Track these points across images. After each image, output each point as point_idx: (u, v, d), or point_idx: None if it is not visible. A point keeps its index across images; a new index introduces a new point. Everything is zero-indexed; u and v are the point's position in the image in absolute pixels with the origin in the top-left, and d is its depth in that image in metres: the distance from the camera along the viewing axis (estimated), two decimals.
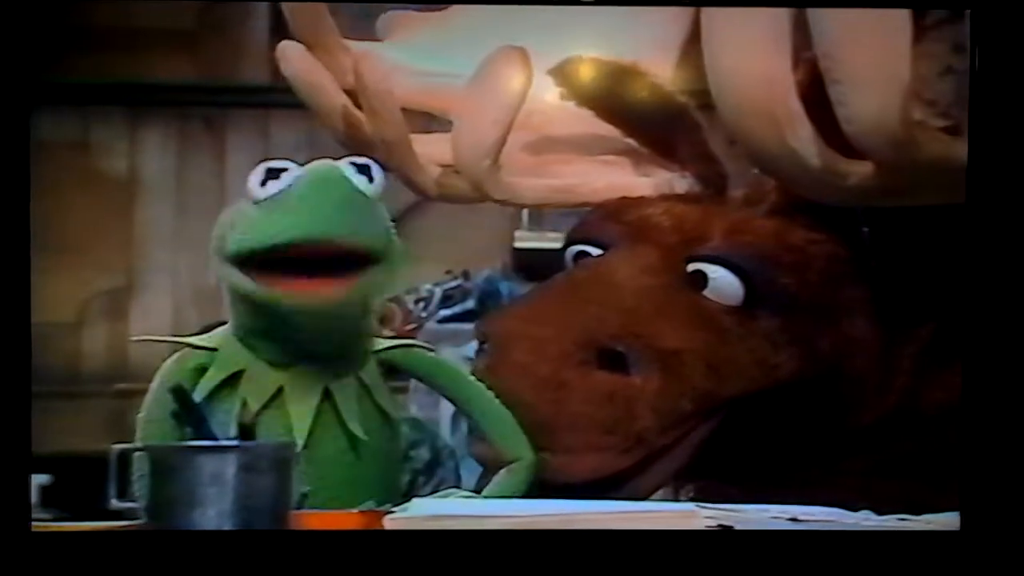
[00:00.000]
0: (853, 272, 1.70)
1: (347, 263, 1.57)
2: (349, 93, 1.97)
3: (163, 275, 3.10)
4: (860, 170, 1.58)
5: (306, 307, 1.57)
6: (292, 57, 2.00)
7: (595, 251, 1.79)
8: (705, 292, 1.68)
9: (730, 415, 1.66)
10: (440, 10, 2.12)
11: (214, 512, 1.36)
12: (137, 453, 1.47)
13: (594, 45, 1.89)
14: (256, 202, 1.59)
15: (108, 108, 3.16)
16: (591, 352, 1.63)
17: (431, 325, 3.03)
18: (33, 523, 1.52)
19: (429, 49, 2.10)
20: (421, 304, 3.08)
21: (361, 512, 1.54)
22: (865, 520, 1.51)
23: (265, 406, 1.62)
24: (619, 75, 1.80)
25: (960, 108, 1.58)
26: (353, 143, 1.77)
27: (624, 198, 1.84)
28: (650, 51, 1.91)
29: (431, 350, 1.78)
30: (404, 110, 1.92)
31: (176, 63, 3.17)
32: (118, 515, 1.47)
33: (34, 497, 1.66)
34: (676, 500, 1.74)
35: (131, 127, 3.20)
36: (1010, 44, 1.59)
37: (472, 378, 1.71)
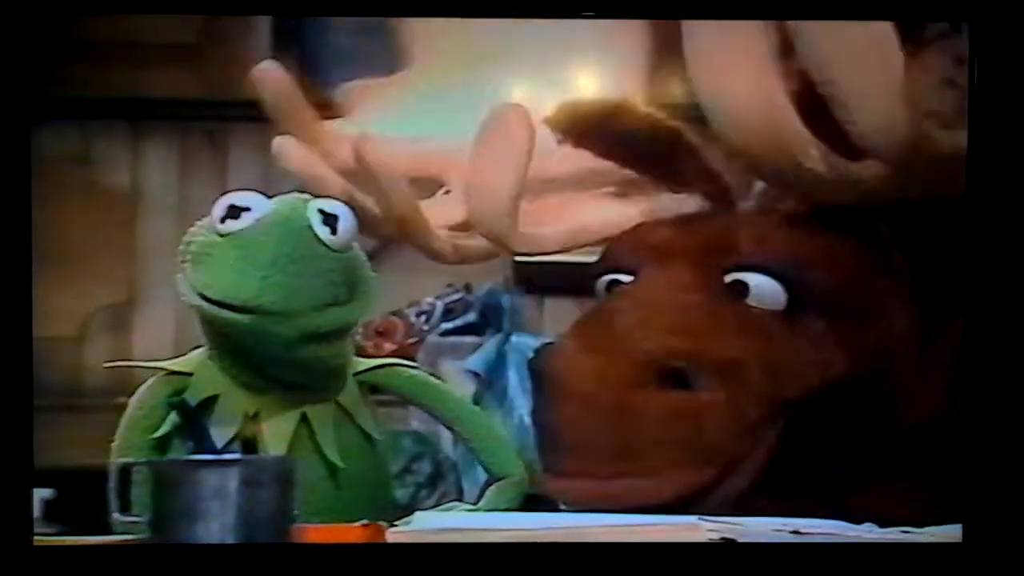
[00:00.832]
0: (881, 269, 1.71)
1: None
2: (343, 174, 1.99)
3: (165, 289, 3.10)
4: (871, 172, 1.61)
5: (228, 321, 1.58)
6: (289, 154, 2.01)
7: (626, 278, 1.79)
8: (748, 300, 1.69)
9: (794, 418, 1.66)
10: (392, 76, 2.14)
11: (216, 526, 1.37)
12: (138, 467, 1.47)
13: (563, 76, 1.91)
14: (217, 234, 1.60)
15: (110, 122, 3.16)
16: (651, 373, 1.64)
17: (433, 338, 3.03)
18: (35, 537, 1.52)
19: (404, 114, 2.11)
20: (423, 317, 3.08)
21: (363, 525, 1.54)
22: (868, 532, 1.51)
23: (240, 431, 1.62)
24: (610, 112, 1.81)
25: (961, 119, 1.59)
26: (363, 225, 1.76)
27: (641, 224, 1.85)
28: (621, 71, 1.93)
29: (414, 367, 1.78)
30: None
31: (178, 77, 3.17)
32: (121, 529, 1.48)
33: (37, 511, 1.66)
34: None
35: (133, 141, 3.20)
36: (1009, 57, 1.59)
37: (458, 394, 1.71)
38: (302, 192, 1.68)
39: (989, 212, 1.59)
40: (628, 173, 1.94)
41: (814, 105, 1.60)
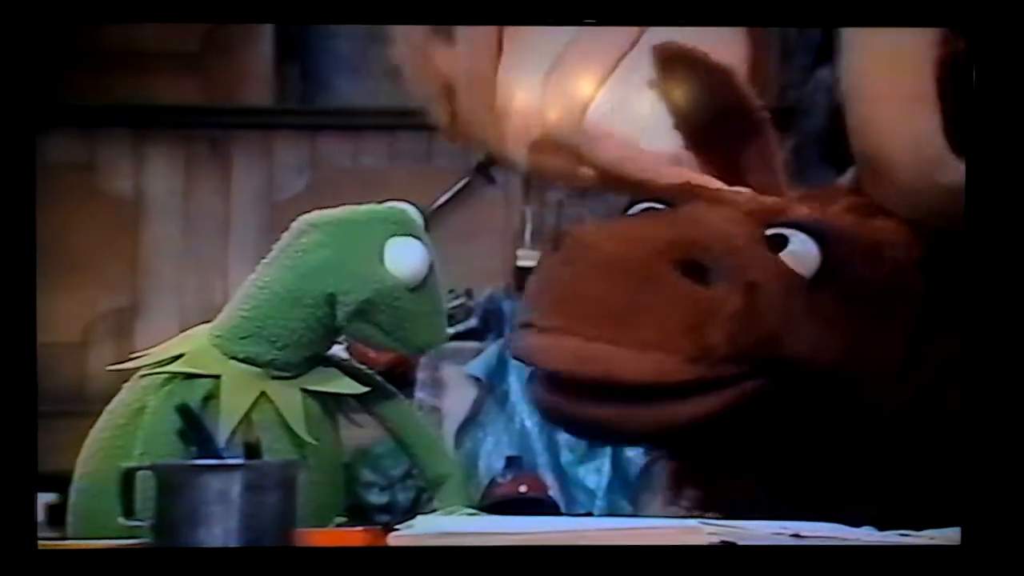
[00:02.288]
0: (915, 292, 1.70)
1: None
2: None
3: (169, 295, 3.11)
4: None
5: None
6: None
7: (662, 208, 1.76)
8: (782, 255, 1.66)
9: (780, 382, 1.64)
10: None
11: (220, 530, 1.37)
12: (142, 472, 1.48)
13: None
14: (410, 289, 1.67)
15: (114, 130, 3.17)
16: (682, 255, 1.61)
17: None
18: (40, 541, 1.52)
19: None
20: None
21: (366, 529, 1.55)
22: (867, 535, 1.52)
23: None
24: (713, 72, 1.78)
25: None
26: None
27: (699, 184, 1.82)
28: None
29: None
30: None
31: (181, 85, 3.18)
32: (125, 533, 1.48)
33: (41, 515, 1.67)
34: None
35: (137, 148, 3.21)
36: (1008, 62, 1.60)
37: (396, 396, 1.75)
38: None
39: (989, 217, 1.60)
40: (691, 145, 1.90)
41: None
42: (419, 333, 1.70)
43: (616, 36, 1.89)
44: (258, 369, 1.67)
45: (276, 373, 1.68)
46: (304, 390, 1.69)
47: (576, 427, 1.72)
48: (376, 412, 1.75)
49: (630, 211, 1.78)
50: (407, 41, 2.08)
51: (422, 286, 1.68)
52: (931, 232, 1.71)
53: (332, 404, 1.73)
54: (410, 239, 1.69)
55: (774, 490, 1.67)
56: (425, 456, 1.74)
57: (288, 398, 1.67)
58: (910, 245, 1.72)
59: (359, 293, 1.66)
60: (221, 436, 1.55)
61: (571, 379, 1.60)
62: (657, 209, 1.76)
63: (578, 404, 1.61)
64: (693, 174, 1.88)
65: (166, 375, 1.68)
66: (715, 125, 1.85)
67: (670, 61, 1.83)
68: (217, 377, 1.67)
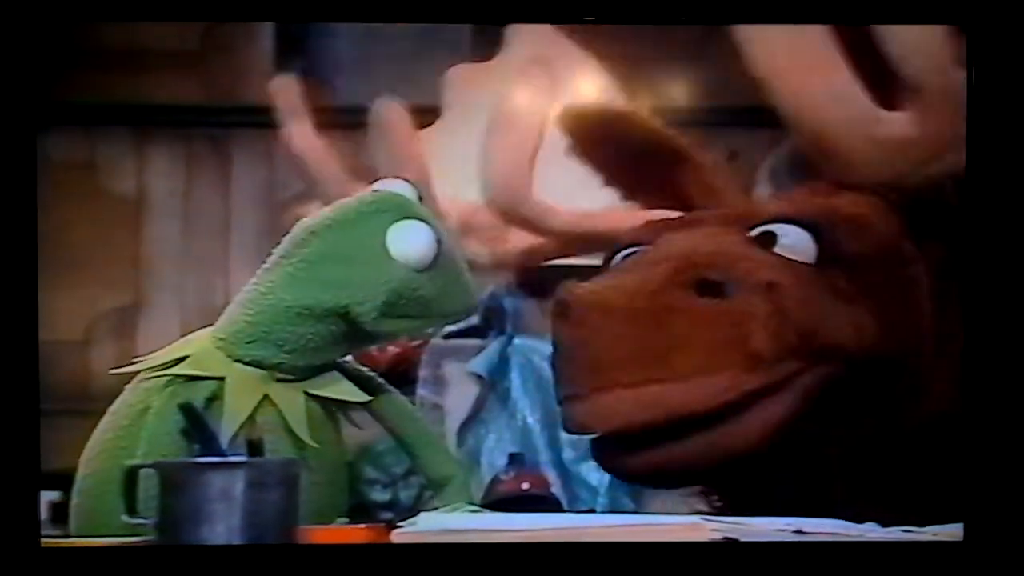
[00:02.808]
0: (906, 250, 1.68)
1: None
2: None
3: (170, 294, 3.11)
4: (899, 119, 1.63)
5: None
6: None
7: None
8: (777, 249, 1.64)
9: (831, 377, 1.60)
10: None
11: (223, 528, 1.38)
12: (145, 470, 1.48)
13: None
14: (421, 270, 1.66)
15: (114, 128, 3.17)
16: (690, 276, 1.57)
17: (436, 341, 3.03)
18: (43, 539, 1.53)
19: None
20: None
21: (368, 527, 1.55)
22: (870, 532, 1.52)
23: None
24: (618, 119, 1.79)
25: None
26: None
27: (653, 220, 1.81)
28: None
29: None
30: None
31: (182, 84, 3.18)
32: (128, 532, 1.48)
33: (44, 514, 1.67)
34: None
35: (137, 147, 3.21)
36: (1007, 59, 1.60)
37: (397, 396, 1.75)
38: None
39: (989, 211, 1.60)
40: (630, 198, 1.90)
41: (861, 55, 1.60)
42: (448, 305, 1.70)
43: (529, 108, 1.91)
44: (263, 372, 1.67)
45: (281, 376, 1.67)
46: (307, 393, 1.68)
47: (653, 479, 1.66)
48: (377, 413, 1.75)
49: (614, 261, 1.75)
50: None
51: (436, 263, 1.66)
52: (900, 200, 1.70)
53: (333, 405, 1.72)
54: (410, 222, 1.66)
55: (788, 488, 1.66)
56: (427, 457, 1.74)
57: (291, 402, 1.66)
58: (884, 215, 1.69)
59: (375, 299, 1.64)
60: (224, 438, 1.55)
61: (633, 431, 1.55)
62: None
63: (647, 454, 1.56)
64: (651, 213, 1.87)
65: (169, 376, 1.68)
66: (641, 169, 1.84)
67: (574, 123, 1.83)
68: (221, 379, 1.66)
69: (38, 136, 1.58)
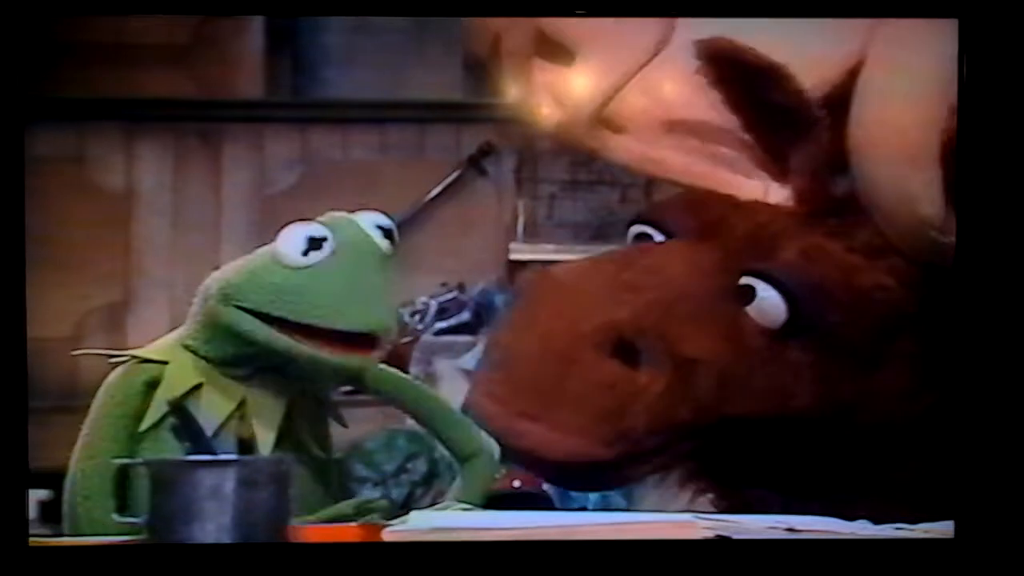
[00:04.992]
0: (910, 329, 1.67)
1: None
2: None
3: (160, 289, 3.11)
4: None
5: (345, 365, 1.64)
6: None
7: (659, 236, 1.76)
8: (748, 308, 1.66)
9: (725, 432, 1.65)
10: None
11: (213, 526, 1.37)
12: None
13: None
14: (290, 267, 1.62)
15: (104, 123, 3.17)
16: (610, 337, 1.62)
17: (427, 337, 3.04)
18: (31, 538, 1.52)
19: None
20: (417, 317, 3.09)
21: (360, 525, 1.54)
22: (862, 529, 1.52)
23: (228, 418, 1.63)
24: (763, 70, 1.71)
25: None
26: None
27: (710, 192, 1.79)
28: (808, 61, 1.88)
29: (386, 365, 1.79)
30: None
31: (171, 78, 3.18)
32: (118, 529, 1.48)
33: (34, 512, 1.66)
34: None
35: (127, 142, 3.20)
36: (998, 53, 1.60)
37: (414, 381, 1.76)
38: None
39: (979, 218, 1.60)
40: (744, 138, 1.81)
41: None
42: (329, 315, 1.62)
43: (646, 32, 1.86)
44: (240, 375, 1.67)
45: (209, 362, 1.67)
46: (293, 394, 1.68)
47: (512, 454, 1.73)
48: (396, 398, 1.76)
49: (629, 233, 1.78)
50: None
51: (317, 265, 1.63)
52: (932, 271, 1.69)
53: (317, 404, 1.72)
54: (300, 223, 1.66)
55: (786, 489, 1.67)
56: (453, 435, 1.75)
57: (266, 408, 1.65)
58: (912, 286, 1.68)
59: (234, 278, 1.65)
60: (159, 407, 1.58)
61: (501, 442, 1.66)
62: (648, 237, 1.76)
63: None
64: (721, 174, 1.85)
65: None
66: (765, 121, 1.76)
67: (716, 53, 1.78)
68: (164, 363, 1.67)
69: (27, 131, 1.57)
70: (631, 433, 1.61)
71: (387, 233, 1.67)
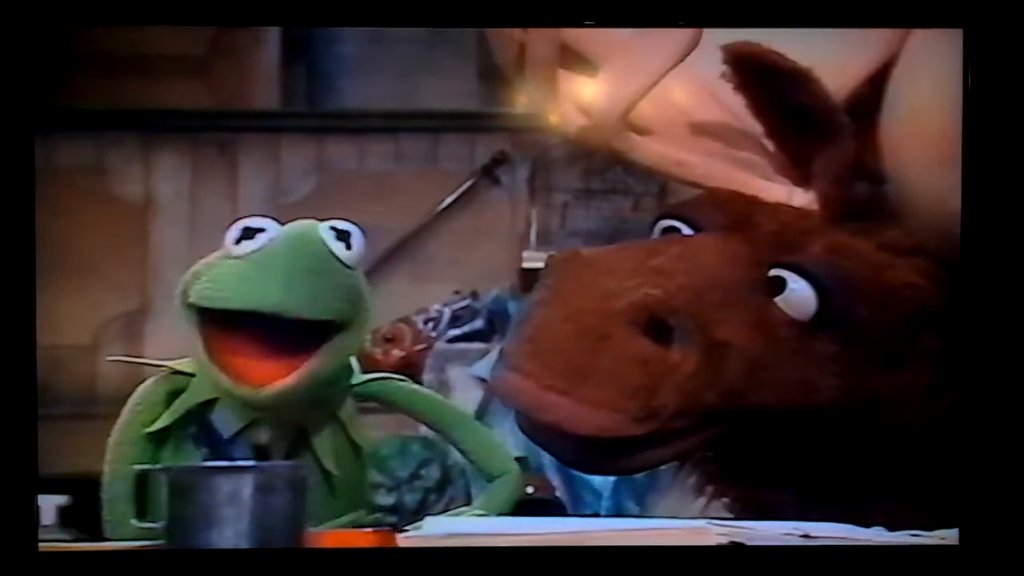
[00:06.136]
0: (935, 327, 1.68)
1: (312, 334, 1.64)
2: None
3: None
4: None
5: (256, 399, 1.62)
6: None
7: (687, 230, 1.77)
8: (777, 299, 1.66)
9: (750, 422, 1.65)
10: None
11: (231, 532, 1.38)
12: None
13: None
14: (230, 257, 1.64)
15: (122, 134, 3.18)
16: (643, 316, 1.61)
17: (440, 344, 3.04)
18: (40, 544, 1.53)
19: None
20: (430, 324, 3.09)
21: (375, 531, 1.56)
22: (877, 536, 1.52)
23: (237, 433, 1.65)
24: (789, 73, 1.72)
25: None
26: None
27: (736, 192, 1.81)
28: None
29: (403, 379, 1.82)
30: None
31: (189, 89, 3.19)
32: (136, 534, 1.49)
33: (53, 517, 1.68)
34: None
35: (145, 152, 3.22)
36: (1003, 62, 1.61)
37: (449, 403, 1.74)
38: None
39: (986, 216, 1.61)
40: (766, 144, 1.84)
41: None
42: (245, 292, 1.63)
43: (674, 37, 1.86)
44: None
45: None
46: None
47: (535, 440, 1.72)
48: (428, 418, 1.78)
49: (656, 227, 1.79)
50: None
51: (250, 256, 1.65)
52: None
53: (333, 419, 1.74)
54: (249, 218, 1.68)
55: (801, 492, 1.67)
56: (485, 456, 1.77)
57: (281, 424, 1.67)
58: (939, 285, 1.69)
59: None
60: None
61: (528, 417, 1.63)
62: (676, 231, 1.76)
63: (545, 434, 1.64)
64: (742, 178, 1.85)
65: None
66: (790, 125, 1.78)
67: (742, 56, 1.78)
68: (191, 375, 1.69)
69: (44, 142, 1.59)
70: (661, 411, 1.59)
71: (341, 235, 1.67)
